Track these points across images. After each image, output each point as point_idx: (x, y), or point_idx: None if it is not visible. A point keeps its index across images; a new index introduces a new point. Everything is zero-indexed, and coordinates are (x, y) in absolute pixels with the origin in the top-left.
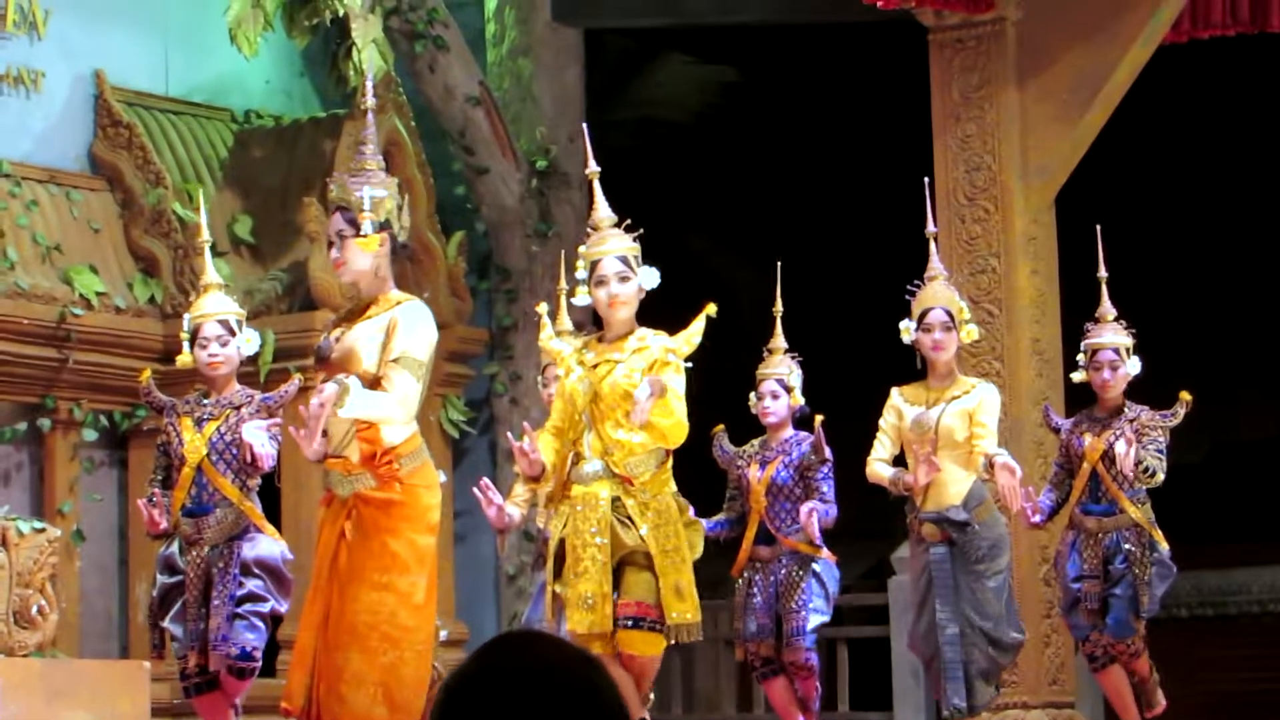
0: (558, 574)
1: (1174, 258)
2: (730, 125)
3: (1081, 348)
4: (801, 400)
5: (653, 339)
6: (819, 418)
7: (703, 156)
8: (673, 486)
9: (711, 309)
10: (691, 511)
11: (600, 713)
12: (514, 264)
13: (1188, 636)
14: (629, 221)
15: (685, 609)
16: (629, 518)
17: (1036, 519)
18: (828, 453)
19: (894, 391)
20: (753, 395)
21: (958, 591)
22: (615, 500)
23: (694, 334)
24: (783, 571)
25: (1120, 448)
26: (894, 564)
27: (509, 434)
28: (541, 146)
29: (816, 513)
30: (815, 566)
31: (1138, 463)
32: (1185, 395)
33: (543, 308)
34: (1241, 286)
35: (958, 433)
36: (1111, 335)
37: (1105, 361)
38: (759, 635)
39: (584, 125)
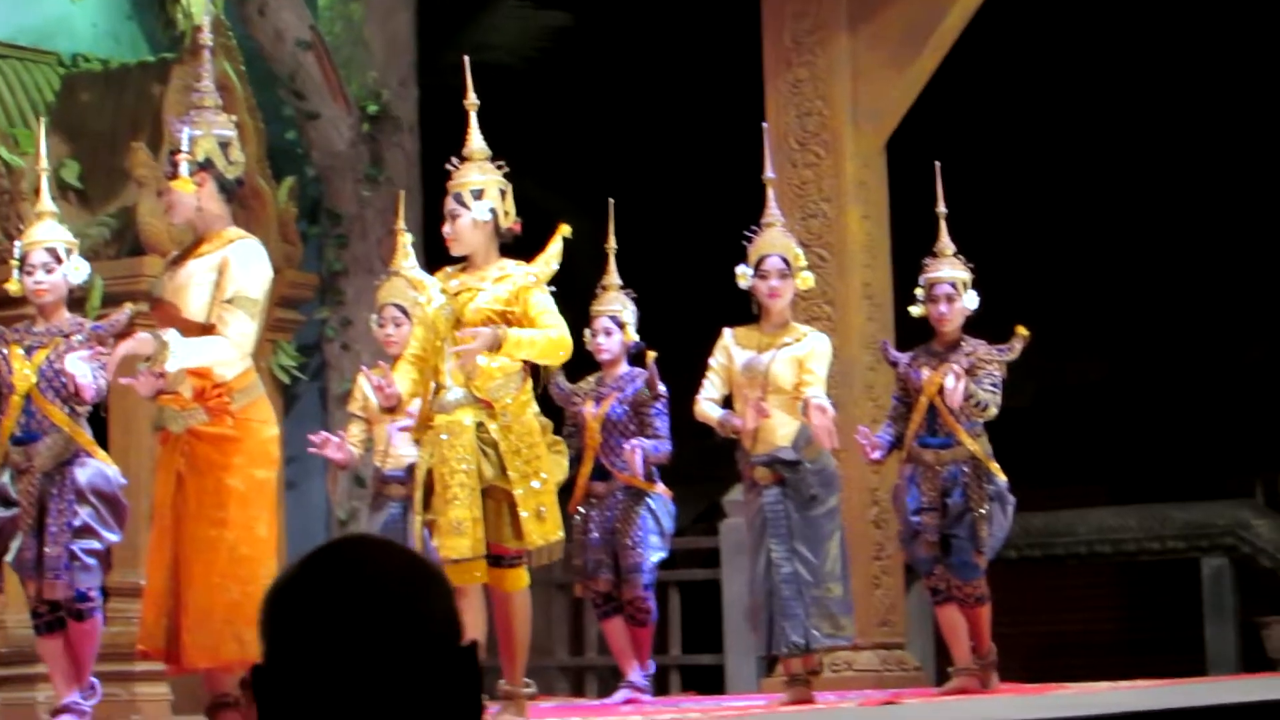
0: (426, 505)
1: (1003, 205)
2: (564, 70)
3: (920, 282)
4: (635, 336)
5: (514, 267)
6: (651, 354)
7: (536, 101)
8: (534, 408)
9: (566, 230)
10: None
11: (426, 620)
12: (345, 209)
13: (1016, 578)
14: (500, 162)
15: (547, 530)
16: (493, 444)
17: (876, 455)
18: (661, 388)
19: (726, 332)
20: (587, 332)
21: (792, 531)
22: (479, 425)
23: (552, 256)
24: (619, 507)
25: (949, 382)
26: (725, 507)
27: (365, 368)
28: (373, 91)
29: (641, 449)
30: (650, 502)
31: (968, 396)
32: (1022, 330)
33: (407, 237)
34: (1070, 233)
35: (787, 380)
36: (949, 269)
37: (942, 295)
38: (596, 571)
39: (465, 57)
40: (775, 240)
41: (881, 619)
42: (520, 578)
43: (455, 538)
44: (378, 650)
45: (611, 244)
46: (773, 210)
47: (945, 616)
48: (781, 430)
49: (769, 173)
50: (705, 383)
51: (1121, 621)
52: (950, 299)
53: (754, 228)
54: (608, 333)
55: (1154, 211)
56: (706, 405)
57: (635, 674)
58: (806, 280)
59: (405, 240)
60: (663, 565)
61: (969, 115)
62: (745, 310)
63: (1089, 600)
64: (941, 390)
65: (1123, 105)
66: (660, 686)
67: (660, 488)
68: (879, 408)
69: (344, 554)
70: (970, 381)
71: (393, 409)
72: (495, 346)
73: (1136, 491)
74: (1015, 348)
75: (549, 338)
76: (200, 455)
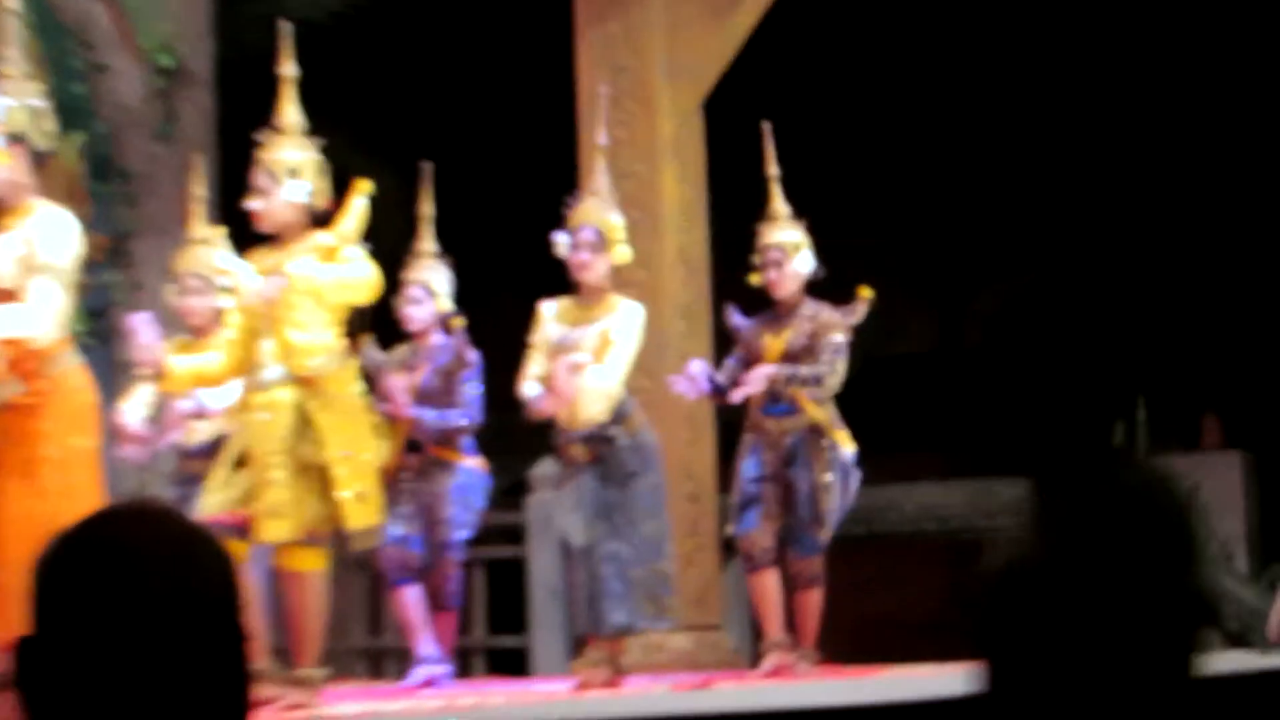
0: (229, 482)
1: (830, 165)
2: (372, 24)
3: (755, 247)
4: (449, 305)
5: (321, 236)
6: (458, 321)
7: (344, 57)
8: (357, 385)
9: (366, 186)
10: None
11: (199, 591)
12: (136, 166)
13: (838, 557)
14: (318, 139)
15: (368, 513)
16: (313, 422)
17: (683, 386)
18: (471, 356)
19: (544, 306)
20: (398, 300)
21: (611, 509)
22: (299, 404)
23: (353, 214)
24: (430, 480)
25: (755, 385)
26: (532, 481)
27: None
28: (166, 43)
29: (426, 419)
30: (461, 475)
31: (789, 379)
32: (865, 292)
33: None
34: (901, 191)
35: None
36: (778, 233)
37: (771, 261)
38: (404, 544)
39: (283, 23)
40: (590, 211)
41: (696, 599)
42: (317, 557)
43: (275, 521)
44: (145, 622)
45: (426, 209)
46: (598, 178)
47: (759, 584)
48: (598, 405)
49: (601, 138)
50: (530, 361)
51: (945, 603)
52: (779, 264)
53: (575, 194)
54: (418, 302)
55: (992, 166)
56: (528, 385)
57: (430, 648)
58: (623, 255)
59: (201, 206)
60: (468, 542)
61: (791, 72)
62: (567, 279)
63: (913, 581)
64: (784, 356)
65: (951, 64)
66: (463, 669)
67: (473, 460)
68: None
69: (116, 521)
70: (784, 368)
71: (158, 375)
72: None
73: (965, 466)
74: (858, 311)
75: (355, 274)
76: (14, 426)
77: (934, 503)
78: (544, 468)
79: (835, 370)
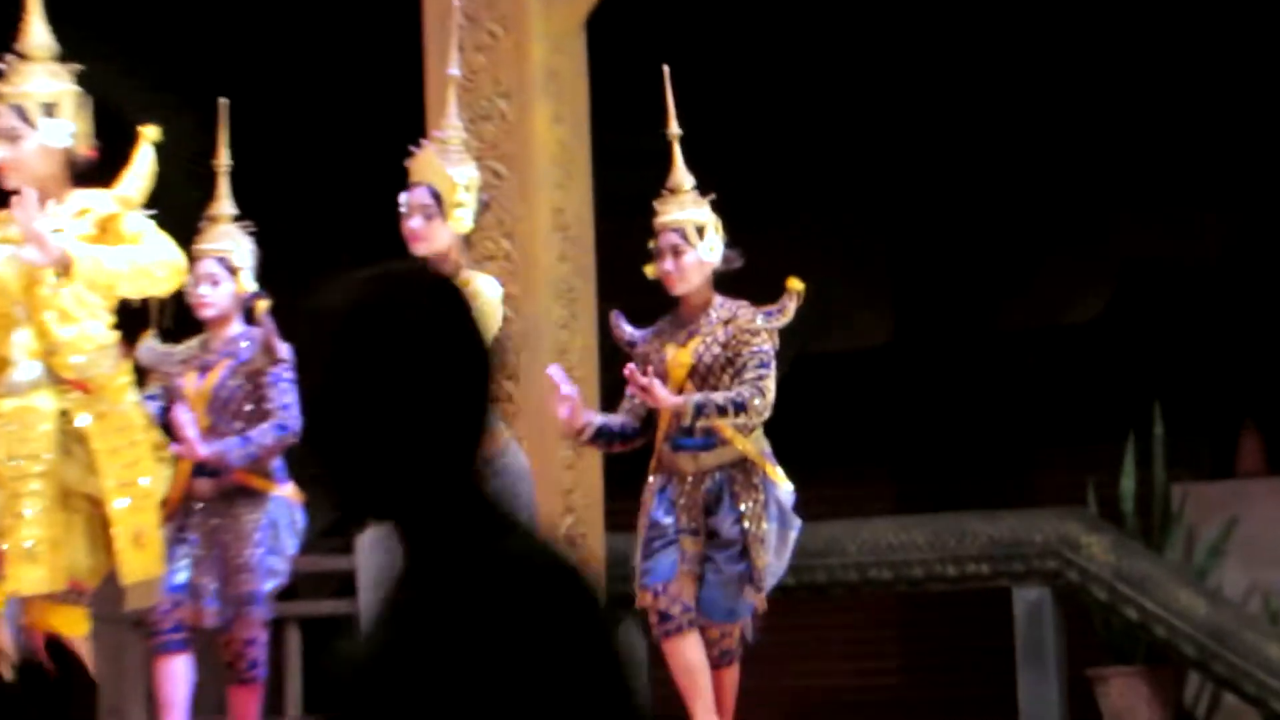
0: None
1: (750, 118)
2: None
3: (651, 230)
4: (253, 285)
5: (96, 197)
6: (263, 303)
7: None
8: (133, 394)
9: (152, 133)
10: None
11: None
12: None
13: (766, 616)
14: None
15: (147, 561)
16: (80, 439)
17: (565, 411)
18: (282, 350)
19: None
20: (188, 279)
21: None
22: (63, 414)
23: (138, 172)
24: (229, 514)
25: (663, 402)
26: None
27: None
28: None
29: (230, 455)
30: (271, 509)
31: (701, 412)
32: (795, 283)
33: None
34: (831, 145)
35: None
36: (678, 211)
37: (666, 246)
38: (194, 596)
39: None
40: (426, 166)
41: None
42: (80, 619)
43: (28, 566)
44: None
45: (223, 160)
46: (450, 122)
47: (680, 652)
48: None
49: (452, 68)
50: None
51: (906, 673)
52: (676, 251)
53: (423, 142)
54: (214, 281)
55: (944, 118)
56: None
57: None
58: (459, 222)
59: None
60: (279, 595)
61: None
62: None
63: (862, 645)
64: (695, 373)
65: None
66: None
67: (286, 488)
68: (577, 380)
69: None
70: (699, 395)
71: None
72: (63, 266)
73: (928, 496)
74: (787, 308)
75: (152, 258)
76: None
77: (887, 544)
78: None
79: (763, 391)
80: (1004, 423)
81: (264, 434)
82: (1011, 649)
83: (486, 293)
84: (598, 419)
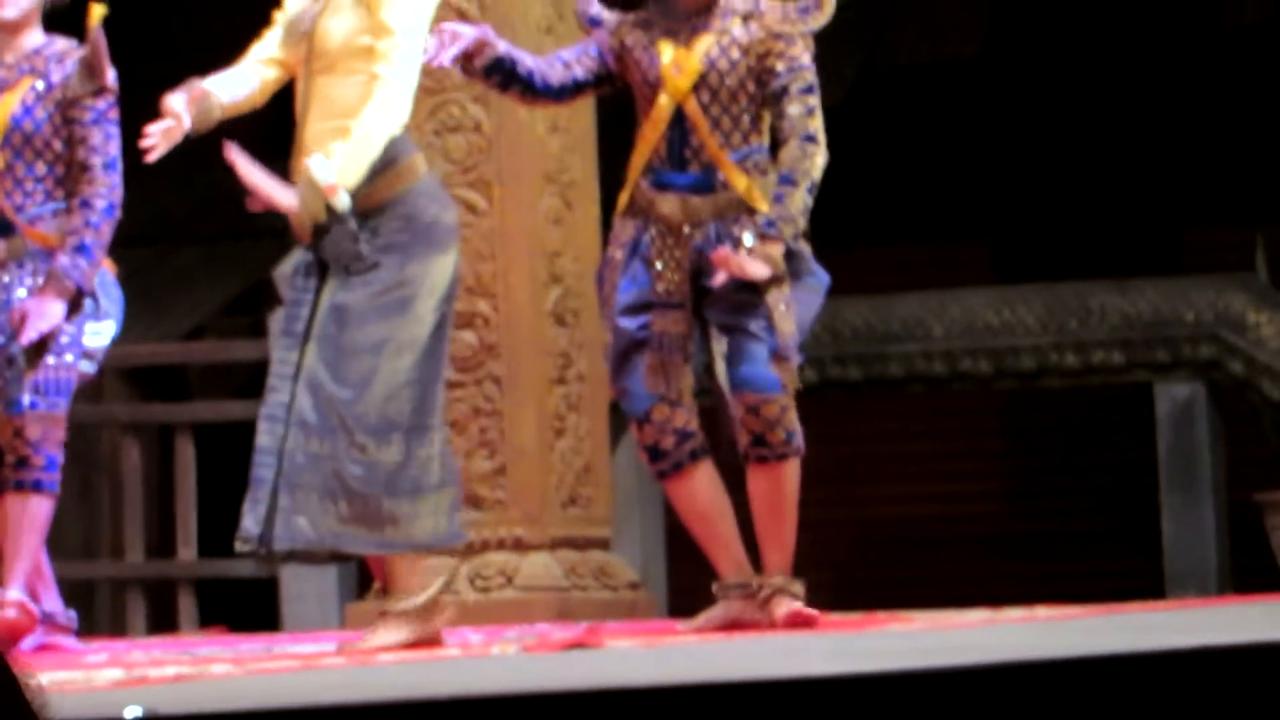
0: None
1: None
2: None
3: None
4: None
5: None
6: (99, 9)
7: None
8: None
9: None
10: None
11: None
12: None
13: (821, 417)
14: None
15: None
16: None
17: (445, 57)
18: (110, 77)
19: None
20: None
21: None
22: None
23: None
24: (28, 281)
25: (726, 263)
26: (279, 285)
27: None
28: None
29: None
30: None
31: (795, 234)
32: None
33: None
34: None
35: (337, 42)
36: None
37: None
38: None
39: None
40: None
41: (568, 495)
42: None
43: None
44: None
45: None
46: None
47: (679, 495)
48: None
49: None
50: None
51: (1011, 500)
52: None
53: None
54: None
55: None
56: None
57: (52, 601)
58: None
59: None
60: (161, 390)
61: None
62: None
63: (952, 460)
64: (701, 87)
65: None
66: (162, 616)
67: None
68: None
69: None
70: (775, 217)
71: None
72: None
73: (1038, 264)
74: (826, 4)
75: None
76: None
77: (985, 323)
78: (286, 264)
79: (818, 136)
80: (1142, 162)
81: (97, 227)
82: (1153, 465)
83: None
84: (502, 46)
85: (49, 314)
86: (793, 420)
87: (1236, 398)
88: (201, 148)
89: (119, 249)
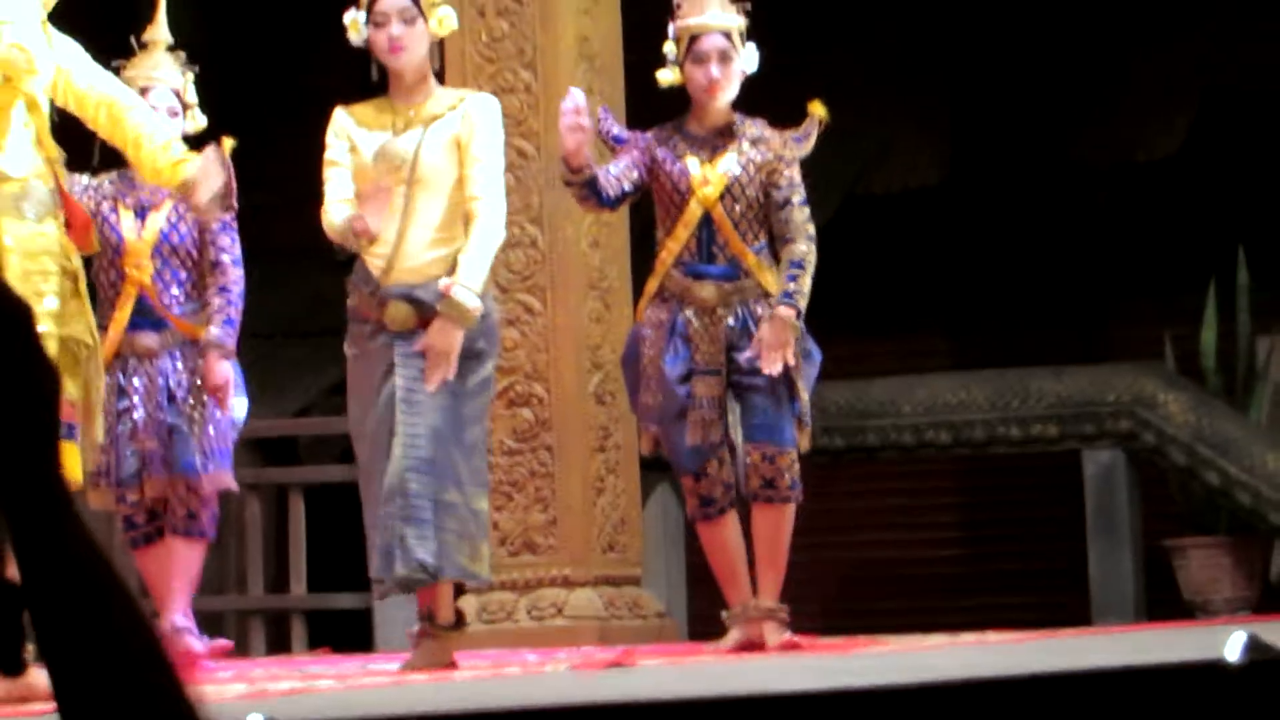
0: None
1: None
2: None
3: (670, 34)
4: (202, 118)
5: None
6: (229, 143)
7: None
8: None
9: None
10: None
11: None
12: None
13: (811, 478)
14: None
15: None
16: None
17: (584, 160)
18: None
19: (338, 113)
20: None
21: (433, 402)
22: None
23: None
24: (177, 371)
25: (762, 359)
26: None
27: None
28: None
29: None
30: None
31: (800, 313)
32: (818, 108)
33: None
34: None
35: (444, 171)
36: (719, 13)
37: (712, 51)
38: (148, 472)
39: None
40: None
41: (607, 541)
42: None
43: None
44: None
45: None
46: None
47: (714, 537)
48: (430, 253)
49: None
50: (330, 182)
51: (965, 545)
52: (724, 57)
53: None
54: (173, 113)
55: None
56: (336, 209)
57: (180, 617)
58: (445, 21)
59: None
60: (281, 460)
61: None
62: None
63: (917, 515)
64: (726, 195)
65: None
66: (278, 640)
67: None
68: (594, 239)
69: None
70: (787, 297)
71: None
72: None
73: (989, 352)
74: (811, 135)
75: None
76: None
77: (945, 402)
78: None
79: (813, 236)
80: (1072, 270)
81: (236, 305)
82: (1082, 518)
83: (489, 116)
84: (596, 170)
85: (221, 371)
86: (797, 472)
87: (1150, 463)
88: (304, 260)
89: (245, 339)
